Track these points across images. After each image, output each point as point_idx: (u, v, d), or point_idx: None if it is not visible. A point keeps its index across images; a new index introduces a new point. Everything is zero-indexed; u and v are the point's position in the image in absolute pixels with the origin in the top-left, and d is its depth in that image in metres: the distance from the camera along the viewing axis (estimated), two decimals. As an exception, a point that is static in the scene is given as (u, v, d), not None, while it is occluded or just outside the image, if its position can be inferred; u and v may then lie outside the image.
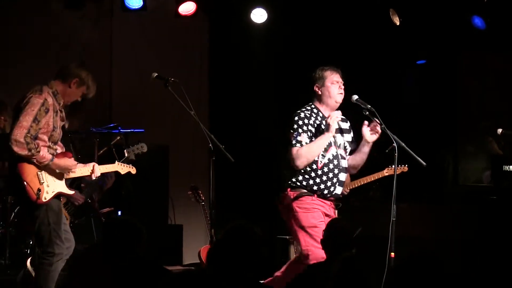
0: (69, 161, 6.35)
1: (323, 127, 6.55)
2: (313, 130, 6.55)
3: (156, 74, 6.56)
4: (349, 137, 6.80)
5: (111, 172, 7.03)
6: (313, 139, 6.52)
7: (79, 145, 8.34)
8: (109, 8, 10.16)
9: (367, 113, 6.56)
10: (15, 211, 8.14)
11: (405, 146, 6.43)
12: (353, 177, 8.31)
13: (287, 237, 7.79)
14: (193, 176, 10.18)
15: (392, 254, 6.19)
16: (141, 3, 9.53)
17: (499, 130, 8.69)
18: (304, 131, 6.53)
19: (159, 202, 9.80)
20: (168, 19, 10.15)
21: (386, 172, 8.12)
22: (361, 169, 8.13)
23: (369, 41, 10.05)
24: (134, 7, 9.61)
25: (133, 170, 6.96)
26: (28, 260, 6.97)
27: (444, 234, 8.29)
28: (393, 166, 7.98)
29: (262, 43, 10.34)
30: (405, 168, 7.86)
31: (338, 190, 6.62)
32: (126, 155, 7.05)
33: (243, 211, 9.31)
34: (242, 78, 10.56)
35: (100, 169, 6.60)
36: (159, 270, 4.39)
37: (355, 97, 6.55)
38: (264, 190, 9.77)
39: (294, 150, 6.49)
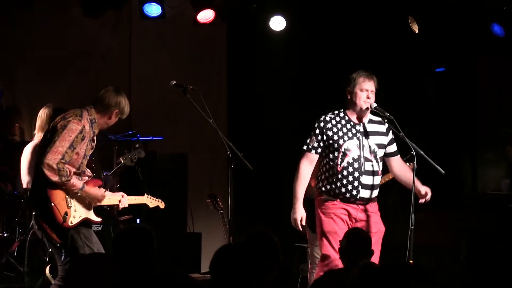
0: (99, 191, 6.31)
1: (344, 130, 6.51)
2: (330, 133, 6.51)
3: (175, 82, 6.55)
4: (379, 139, 6.61)
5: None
6: (326, 144, 6.51)
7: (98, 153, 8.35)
8: (128, 16, 10.20)
9: (386, 121, 6.54)
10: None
11: (424, 154, 6.41)
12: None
13: (305, 245, 7.77)
14: (212, 184, 10.19)
15: (411, 262, 6.17)
16: (160, 11, 9.57)
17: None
18: (315, 135, 6.56)
19: (177, 210, 9.78)
20: (187, 26, 10.17)
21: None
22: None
23: (388, 49, 10.03)
24: (153, 15, 9.65)
25: (162, 205, 6.93)
26: (47, 268, 6.96)
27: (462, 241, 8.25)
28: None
29: (280, 51, 10.33)
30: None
31: (363, 193, 6.48)
32: (122, 161, 7.02)
33: (262, 219, 9.29)
34: (261, 86, 10.56)
35: (128, 200, 6.56)
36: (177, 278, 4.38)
37: (374, 105, 6.51)
38: (283, 198, 9.78)
39: (303, 155, 6.62)
